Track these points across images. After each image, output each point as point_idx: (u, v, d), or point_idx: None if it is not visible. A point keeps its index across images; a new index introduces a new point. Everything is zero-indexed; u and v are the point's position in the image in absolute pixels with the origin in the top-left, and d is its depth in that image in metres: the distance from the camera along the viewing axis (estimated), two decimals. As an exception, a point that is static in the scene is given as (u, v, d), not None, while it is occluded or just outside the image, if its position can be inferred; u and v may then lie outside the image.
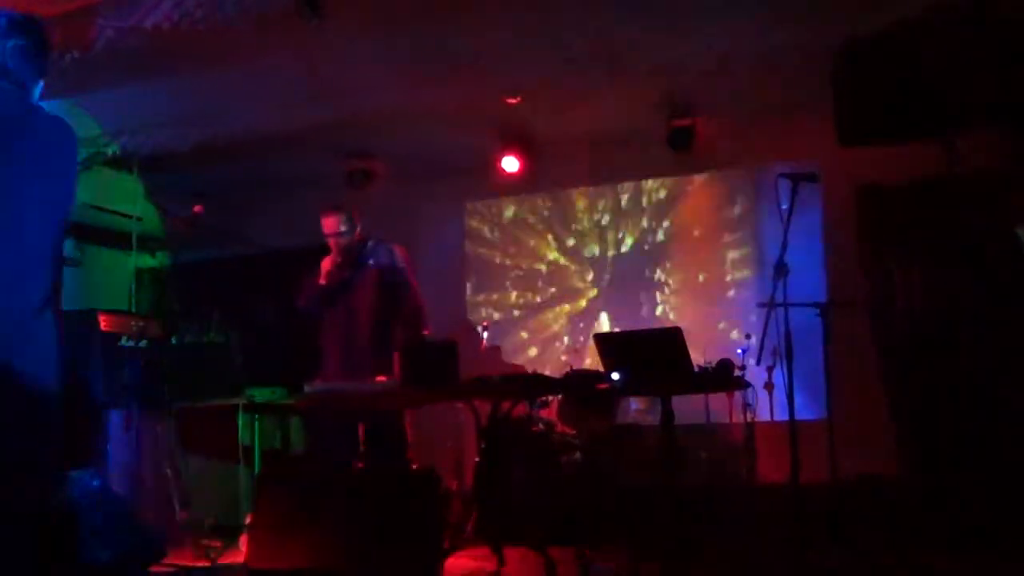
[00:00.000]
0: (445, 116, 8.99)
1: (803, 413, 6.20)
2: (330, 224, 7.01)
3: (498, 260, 10.65)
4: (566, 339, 10.14)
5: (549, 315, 10.35)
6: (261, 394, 6.78)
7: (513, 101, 8.66)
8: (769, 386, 8.01)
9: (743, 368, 7.26)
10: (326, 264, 7.00)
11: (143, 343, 6.87)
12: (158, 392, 6.68)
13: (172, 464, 6.68)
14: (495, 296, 10.59)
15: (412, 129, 9.35)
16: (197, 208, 6.90)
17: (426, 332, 7.03)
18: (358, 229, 7.08)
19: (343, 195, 9.89)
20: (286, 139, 9.21)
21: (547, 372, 8.78)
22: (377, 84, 8.21)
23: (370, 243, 7.11)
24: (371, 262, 7.05)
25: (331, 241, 7.03)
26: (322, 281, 6.98)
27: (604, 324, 10.01)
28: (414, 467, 6.74)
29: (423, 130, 9.38)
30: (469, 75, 8.13)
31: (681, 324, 6.61)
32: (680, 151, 9.34)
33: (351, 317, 6.99)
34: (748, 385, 6.87)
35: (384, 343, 6.85)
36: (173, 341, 7.35)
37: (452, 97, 8.56)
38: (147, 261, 11.39)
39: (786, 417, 5.82)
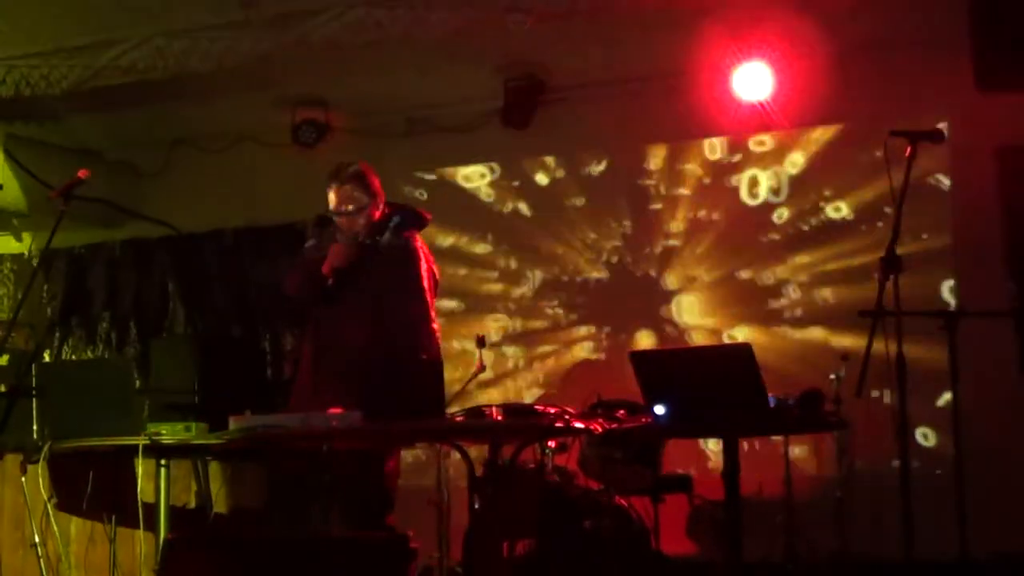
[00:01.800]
0: (429, 48, 8.94)
1: (920, 464, 6.14)
2: (342, 197, 6.88)
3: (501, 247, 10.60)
4: (596, 354, 10.09)
5: (570, 325, 10.29)
6: (171, 431, 6.69)
7: (521, 28, 8.61)
8: (874, 426, 7.96)
9: (837, 402, 7.20)
10: (335, 252, 6.86)
11: (2, 359, 6.82)
12: (22, 429, 6.62)
13: (41, 529, 6.62)
14: (496, 300, 10.53)
15: (381, 69, 9.31)
16: (82, 173, 6.82)
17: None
18: (379, 208, 6.93)
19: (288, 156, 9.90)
20: (208, 80, 9.17)
21: (566, 403, 8.73)
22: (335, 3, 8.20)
23: (389, 225, 6.96)
24: (378, 252, 6.88)
25: (340, 220, 6.88)
26: (328, 267, 6.85)
27: (646, 338, 9.95)
28: (392, 521, 6.71)
29: (396, 69, 9.34)
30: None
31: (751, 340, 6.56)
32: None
33: (339, 329, 6.88)
34: (845, 425, 6.80)
35: (371, 367, 6.64)
36: (46, 357, 7.30)
37: (437, 22, 8.51)
38: (9, 245, 11.37)
39: (896, 468, 5.76)
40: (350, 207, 6.85)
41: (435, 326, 6.96)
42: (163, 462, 6.61)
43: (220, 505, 6.98)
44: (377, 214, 6.96)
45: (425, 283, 6.96)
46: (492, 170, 10.57)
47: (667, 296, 9.94)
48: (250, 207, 10.59)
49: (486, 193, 10.58)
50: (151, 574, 6.21)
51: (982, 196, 8.40)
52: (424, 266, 6.99)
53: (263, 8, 8.14)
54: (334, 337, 6.87)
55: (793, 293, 9.64)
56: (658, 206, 10.04)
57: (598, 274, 10.18)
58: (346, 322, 6.85)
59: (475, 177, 10.64)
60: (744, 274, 9.75)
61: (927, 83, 8.67)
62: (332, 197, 6.89)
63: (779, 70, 9.19)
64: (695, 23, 8.41)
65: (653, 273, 10.00)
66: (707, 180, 9.92)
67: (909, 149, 5.76)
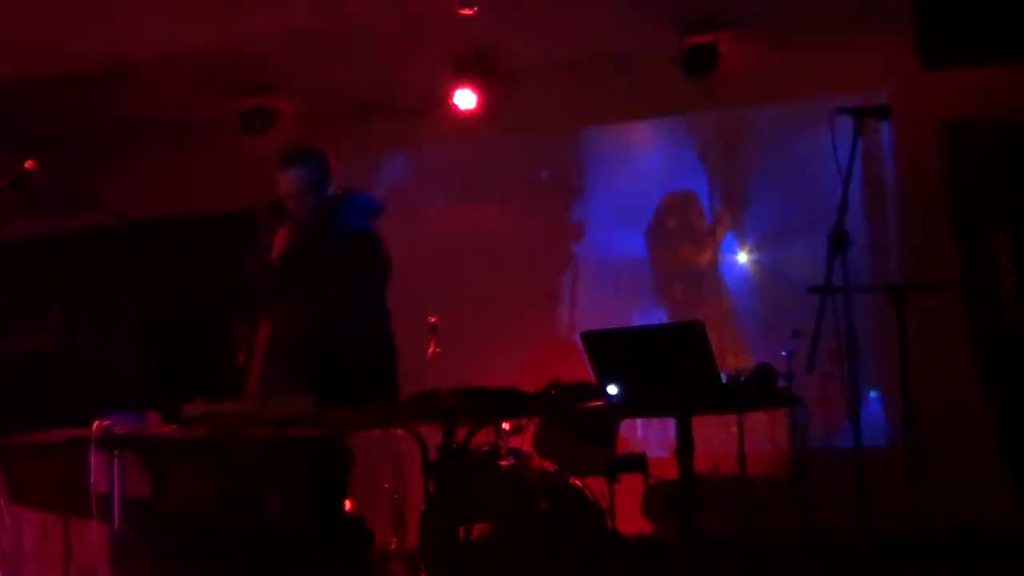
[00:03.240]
0: (376, 35, 8.92)
1: (873, 438, 6.15)
2: (286, 182, 6.69)
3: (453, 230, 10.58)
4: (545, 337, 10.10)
5: (525, 307, 10.28)
6: (123, 421, 6.66)
7: (468, 12, 8.59)
8: (825, 401, 7.98)
9: (789, 377, 7.21)
10: (282, 237, 6.79)
11: (-52, 351, 6.76)
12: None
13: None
14: (448, 282, 10.51)
15: (330, 55, 9.28)
16: (28, 163, 6.76)
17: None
18: (329, 190, 6.74)
19: (236, 143, 9.86)
20: (156, 68, 9.12)
21: (521, 385, 8.71)
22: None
23: (342, 210, 6.86)
24: (330, 240, 6.79)
25: (288, 204, 6.70)
26: (275, 253, 6.77)
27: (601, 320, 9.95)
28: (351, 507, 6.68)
29: (345, 56, 9.30)
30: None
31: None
32: (697, 78, 9.30)
33: (289, 317, 6.82)
34: (797, 400, 6.81)
35: (317, 358, 6.59)
36: (-4, 349, 7.24)
37: (387, 7, 8.49)
38: (-47, 236, 11.30)
39: (850, 443, 5.76)
40: (295, 191, 6.76)
41: (386, 314, 6.92)
42: (115, 453, 6.57)
43: (174, 495, 6.94)
44: (327, 199, 6.87)
45: (377, 270, 6.90)
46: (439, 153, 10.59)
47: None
48: (201, 195, 10.54)
49: (435, 176, 10.58)
50: (105, 565, 6.17)
51: (927, 170, 8.44)
52: (377, 253, 6.92)
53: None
54: (286, 325, 6.82)
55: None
56: (604, 187, 10.06)
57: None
58: (297, 310, 6.79)
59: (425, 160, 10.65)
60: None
61: (872, 59, 8.69)
62: (279, 181, 6.80)
63: (723, 49, 9.21)
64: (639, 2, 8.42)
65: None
66: (650, 159, 9.96)
67: (855, 125, 5.76)
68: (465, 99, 9.99)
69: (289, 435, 6.46)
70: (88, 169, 10.57)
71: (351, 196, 6.92)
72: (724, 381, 5.83)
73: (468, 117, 10.08)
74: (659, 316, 9.73)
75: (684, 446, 5.94)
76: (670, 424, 6.30)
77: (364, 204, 6.98)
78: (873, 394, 8.54)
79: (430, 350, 8.21)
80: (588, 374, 6.13)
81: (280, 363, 6.72)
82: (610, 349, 6.08)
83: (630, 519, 8.09)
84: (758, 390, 5.95)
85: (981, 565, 6.78)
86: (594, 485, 7.78)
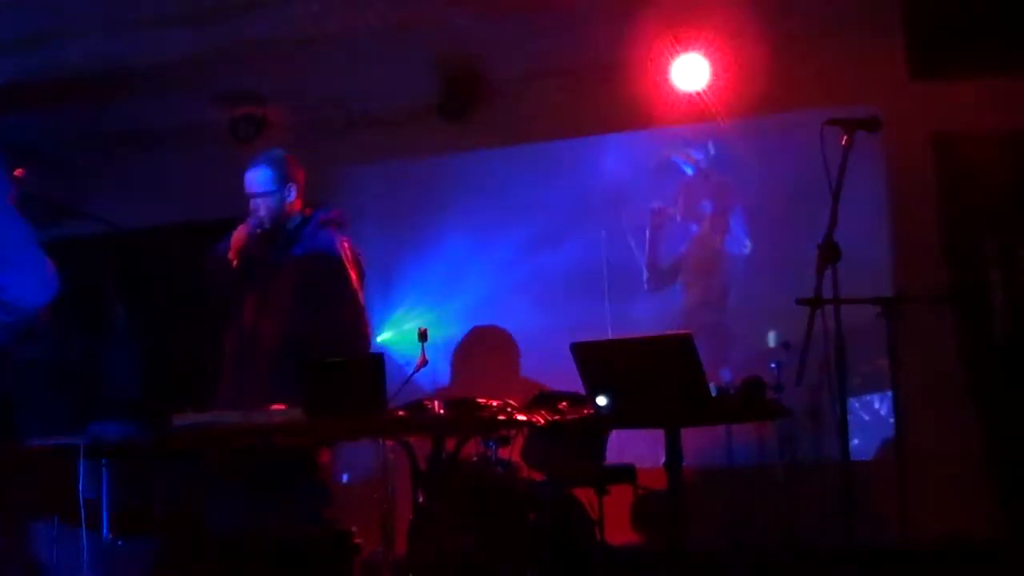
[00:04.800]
0: (367, 44, 8.91)
1: (862, 451, 6.15)
2: (249, 180, 6.85)
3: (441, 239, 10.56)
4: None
5: (515, 317, 10.27)
6: (113, 430, 6.64)
7: (458, 22, 8.59)
8: (815, 413, 7.98)
9: (778, 389, 7.21)
10: (239, 234, 6.83)
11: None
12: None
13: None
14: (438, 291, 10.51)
15: (321, 62, 9.26)
16: (17, 172, 6.76)
17: None
18: (293, 195, 6.89)
19: (226, 152, 9.83)
20: (145, 75, 9.10)
21: (509, 396, 8.70)
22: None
23: (310, 222, 6.92)
24: (297, 250, 6.85)
25: (251, 204, 6.85)
26: (232, 251, 6.81)
27: (598, 329, 9.93)
28: (330, 517, 6.65)
29: (336, 63, 9.29)
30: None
31: (692, 329, 6.55)
32: (686, 90, 9.31)
33: (255, 324, 6.84)
34: (786, 412, 6.81)
35: (292, 366, 6.61)
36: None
37: (376, 16, 8.48)
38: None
39: (838, 456, 5.76)
40: (257, 189, 6.83)
41: (366, 324, 6.94)
42: (105, 461, 6.56)
43: (164, 504, 6.93)
44: (290, 205, 6.91)
45: (352, 279, 6.91)
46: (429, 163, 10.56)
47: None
48: (190, 203, 10.50)
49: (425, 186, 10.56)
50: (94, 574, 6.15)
51: (918, 183, 8.43)
52: (347, 259, 6.95)
53: (199, 1, 8.07)
54: (255, 334, 6.83)
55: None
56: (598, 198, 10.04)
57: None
58: (264, 317, 6.81)
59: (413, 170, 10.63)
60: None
61: (862, 72, 8.69)
62: (246, 181, 6.89)
63: (715, 61, 9.20)
64: (632, 14, 8.41)
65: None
66: (641, 172, 9.94)
67: (845, 138, 5.77)
68: (457, 108, 9.97)
69: (272, 445, 6.46)
70: (78, 177, 10.55)
71: (319, 210, 6.97)
72: (713, 393, 5.83)
73: (459, 126, 10.06)
74: (648, 328, 9.71)
75: (673, 458, 5.95)
76: (659, 435, 6.31)
77: (331, 217, 7.03)
78: (862, 406, 8.55)
79: (420, 359, 8.19)
80: (575, 384, 6.14)
81: (250, 375, 6.74)
82: (600, 360, 6.08)
83: (619, 530, 8.08)
84: (747, 402, 5.95)
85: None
86: (583, 496, 7.77)
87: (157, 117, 10.20)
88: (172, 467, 6.96)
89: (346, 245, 6.92)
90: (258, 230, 6.82)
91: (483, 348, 10.30)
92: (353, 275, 6.87)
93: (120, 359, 8.52)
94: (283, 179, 6.87)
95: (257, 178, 6.85)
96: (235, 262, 6.81)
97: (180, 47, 8.71)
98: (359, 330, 6.85)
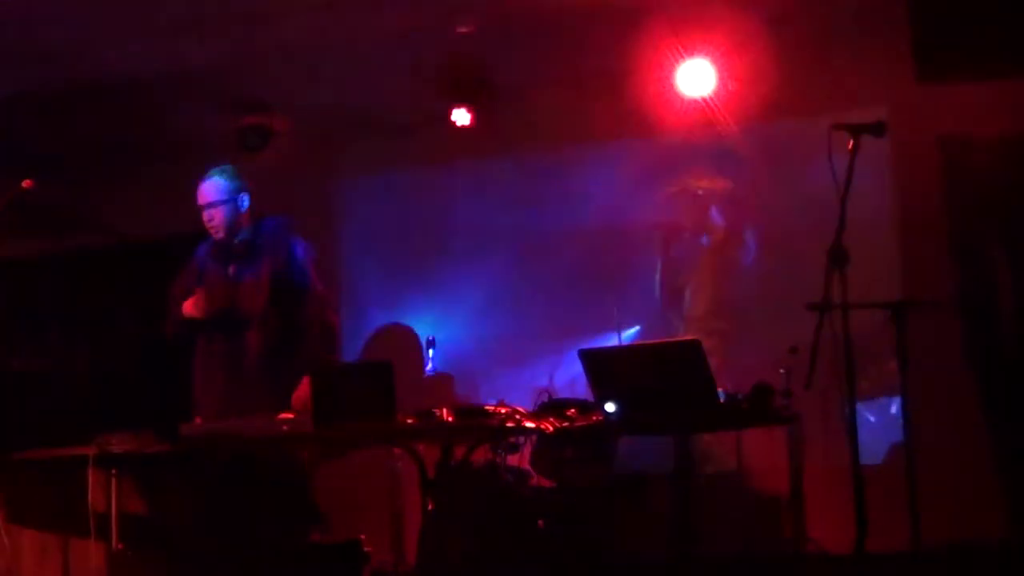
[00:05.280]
0: (373, 53, 8.91)
1: (871, 455, 6.12)
2: (204, 191, 7.05)
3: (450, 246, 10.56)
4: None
5: (522, 323, 10.26)
6: (120, 440, 6.64)
7: (465, 30, 8.59)
8: (824, 418, 7.96)
9: (787, 395, 7.20)
10: (194, 298, 6.91)
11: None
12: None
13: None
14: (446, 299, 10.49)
15: (326, 72, 9.27)
16: (26, 182, 6.77)
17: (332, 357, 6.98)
18: (246, 203, 7.04)
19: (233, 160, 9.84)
20: (154, 86, 9.11)
21: (518, 403, 8.70)
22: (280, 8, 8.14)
23: (263, 228, 7.07)
24: (259, 260, 6.98)
25: (205, 216, 7.02)
26: (191, 311, 6.92)
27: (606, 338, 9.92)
28: (318, 536, 6.66)
29: (342, 74, 9.29)
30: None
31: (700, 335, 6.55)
32: (693, 97, 9.30)
33: (234, 334, 6.92)
34: (794, 418, 6.79)
35: (280, 371, 6.78)
36: (-7, 369, 7.22)
37: (382, 25, 8.48)
38: (-45, 256, 11.27)
39: (847, 461, 5.75)
40: (212, 198, 7.01)
41: (336, 312, 7.11)
42: (113, 471, 6.57)
43: (173, 513, 6.94)
44: (244, 214, 7.08)
45: (314, 275, 7.09)
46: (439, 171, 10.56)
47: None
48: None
49: (433, 194, 10.56)
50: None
51: (925, 186, 8.42)
52: (308, 258, 7.13)
53: (206, 12, 8.08)
54: (236, 348, 6.91)
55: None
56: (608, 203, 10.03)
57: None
58: (243, 331, 6.91)
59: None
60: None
61: (868, 75, 8.68)
62: (199, 191, 7.09)
63: (721, 66, 9.19)
64: (637, 21, 8.40)
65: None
66: (649, 180, 9.93)
67: (851, 142, 5.76)
68: (461, 116, 9.97)
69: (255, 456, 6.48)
70: (86, 188, 10.55)
71: (270, 217, 7.11)
72: (722, 399, 5.83)
73: (465, 134, 10.05)
74: (657, 334, 9.70)
75: (682, 464, 5.95)
76: (668, 441, 6.32)
77: (279, 223, 7.15)
78: (871, 411, 8.53)
79: (428, 367, 8.20)
80: (583, 391, 6.14)
81: (242, 384, 6.81)
82: (608, 367, 6.08)
83: (628, 537, 8.06)
84: (756, 408, 5.95)
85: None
86: (592, 503, 7.76)
87: (164, 128, 10.19)
88: (181, 476, 6.98)
89: (301, 244, 7.16)
90: (218, 288, 7.00)
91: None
92: (316, 274, 7.10)
93: (129, 369, 8.53)
94: (236, 188, 7.07)
95: (211, 188, 7.04)
96: (196, 313, 6.94)
97: (187, 58, 8.72)
98: (334, 330, 7.11)
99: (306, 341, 6.91)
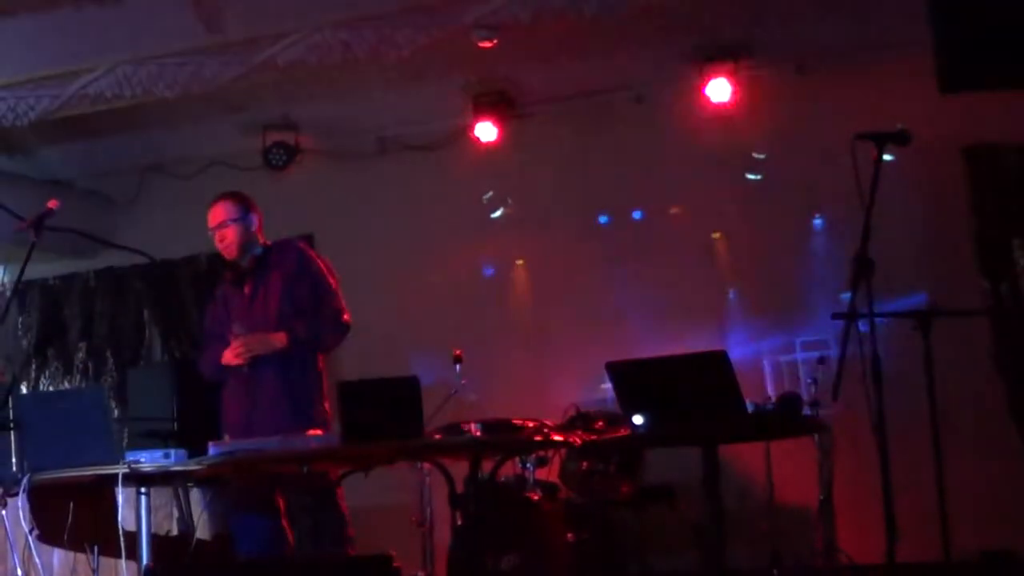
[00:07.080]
0: (396, 69, 8.91)
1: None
2: (215, 213, 7.11)
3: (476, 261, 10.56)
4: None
5: (549, 337, 10.25)
6: (150, 458, 6.65)
7: (487, 44, 8.58)
8: (851, 428, 7.93)
9: (815, 405, 7.18)
10: (231, 348, 6.91)
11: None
12: (1, 462, 6.55)
13: (24, 562, 6.56)
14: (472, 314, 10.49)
15: (349, 90, 9.28)
16: (52, 203, 6.78)
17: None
18: (255, 223, 7.12)
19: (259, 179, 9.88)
20: (176, 106, 9.12)
21: (546, 417, 8.69)
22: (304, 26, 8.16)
23: (275, 245, 7.14)
24: (272, 273, 7.02)
25: (217, 237, 7.08)
26: (231, 360, 6.93)
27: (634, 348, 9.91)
28: (353, 551, 6.66)
29: (364, 89, 9.30)
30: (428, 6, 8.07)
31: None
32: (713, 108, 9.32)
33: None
34: (824, 428, 6.77)
35: (304, 382, 6.82)
36: (23, 389, 7.23)
37: (406, 41, 8.48)
38: (-21, 278, 11.29)
39: (877, 472, 5.73)
40: (222, 218, 7.08)
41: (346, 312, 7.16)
42: (143, 490, 6.57)
43: (202, 531, 6.94)
44: (253, 233, 7.14)
45: (325, 281, 7.10)
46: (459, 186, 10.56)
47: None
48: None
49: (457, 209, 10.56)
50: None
51: (950, 195, 8.40)
52: (319, 261, 7.18)
53: (229, 32, 8.11)
54: (262, 365, 6.93)
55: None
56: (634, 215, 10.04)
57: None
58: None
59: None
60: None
61: (891, 86, 8.66)
62: (210, 213, 7.16)
63: (742, 80, 9.20)
64: (661, 38, 8.42)
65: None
66: (675, 188, 9.93)
67: (876, 152, 5.75)
68: (486, 132, 9.98)
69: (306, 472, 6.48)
70: (112, 208, 10.59)
71: (275, 242, 7.17)
72: (750, 410, 5.81)
73: (489, 150, 10.06)
74: (683, 346, 9.68)
75: (711, 475, 5.93)
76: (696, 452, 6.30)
77: (287, 240, 7.27)
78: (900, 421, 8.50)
79: (457, 382, 8.20)
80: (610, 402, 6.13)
81: (266, 401, 6.83)
82: (635, 379, 6.07)
83: (657, 550, 8.05)
84: (784, 418, 5.93)
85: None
86: (621, 515, 7.75)
87: (190, 147, 10.23)
88: (209, 494, 7.00)
89: (308, 250, 7.30)
90: (231, 258, 7.11)
91: (519, 367, 10.29)
92: (327, 278, 7.10)
93: (157, 387, 8.53)
94: (245, 209, 7.15)
95: (219, 210, 7.12)
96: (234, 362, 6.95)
97: (210, 77, 8.72)
98: (344, 318, 7.04)
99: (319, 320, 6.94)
